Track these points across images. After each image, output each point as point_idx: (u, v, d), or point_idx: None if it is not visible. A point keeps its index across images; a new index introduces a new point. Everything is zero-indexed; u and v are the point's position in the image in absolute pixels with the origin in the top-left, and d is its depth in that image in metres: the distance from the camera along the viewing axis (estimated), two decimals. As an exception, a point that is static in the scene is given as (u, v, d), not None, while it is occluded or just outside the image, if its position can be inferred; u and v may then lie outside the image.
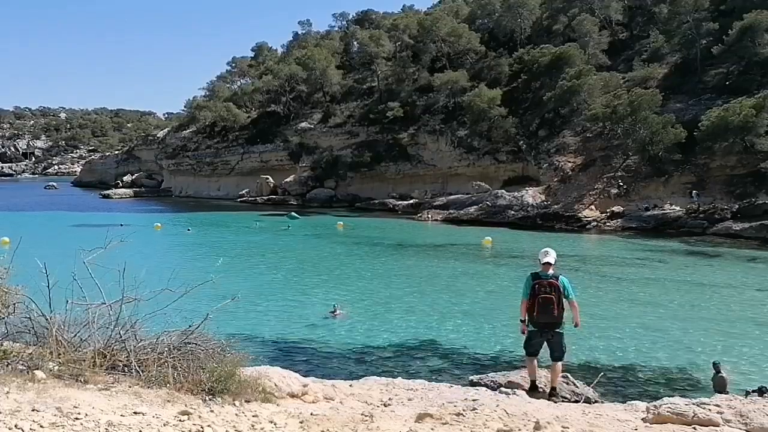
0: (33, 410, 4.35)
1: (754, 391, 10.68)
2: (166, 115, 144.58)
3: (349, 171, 58.01)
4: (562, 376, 9.10)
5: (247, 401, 5.48)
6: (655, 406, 6.55)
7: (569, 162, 44.30)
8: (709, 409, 6.24)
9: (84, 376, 5.19)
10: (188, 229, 41.77)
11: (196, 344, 5.90)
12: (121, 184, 79.93)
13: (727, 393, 10.00)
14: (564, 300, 7.85)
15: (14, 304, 5.72)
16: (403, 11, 77.33)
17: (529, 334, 8.06)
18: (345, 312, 18.80)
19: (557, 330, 7.99)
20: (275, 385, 6.19)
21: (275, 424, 5.05)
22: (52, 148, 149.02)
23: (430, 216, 45.57)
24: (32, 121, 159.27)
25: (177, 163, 74.44)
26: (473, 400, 6.78)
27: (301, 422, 5.21)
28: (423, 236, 38.19)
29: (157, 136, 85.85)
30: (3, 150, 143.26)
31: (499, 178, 49.32)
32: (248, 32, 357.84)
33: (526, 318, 7.98)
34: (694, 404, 6.52)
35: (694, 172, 38.50)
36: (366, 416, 5.68)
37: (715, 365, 11.79)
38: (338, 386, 7.34)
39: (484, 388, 8.60)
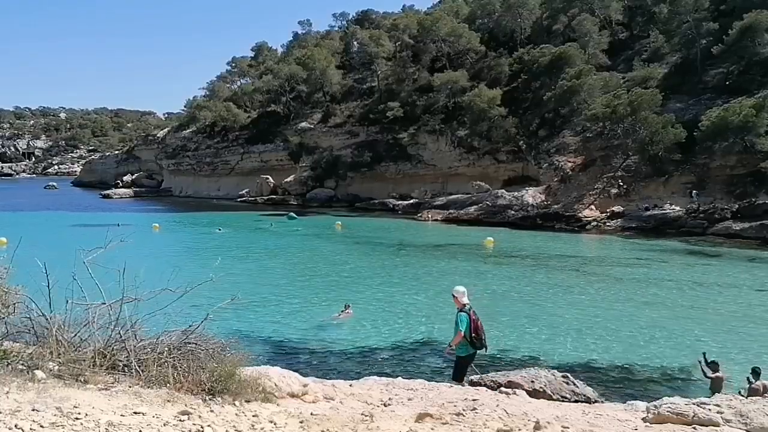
0: (33, 410, 4.34)
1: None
2: (166, 115, 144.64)
3: (349, 171, 58.00)
4: (563, 376, 9.24)
5: (247, 401, 5.47)
6: (655, 406, 6.56)
7: (569, 162, 44.30)
8: (709, 409, 6.24)
9: (84, 376, 5.19)
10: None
11: (196, 344, 5.90)
12: (121, 184, 79.98)
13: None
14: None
15: (14, 304, 5.71)
16: (403, 11, 77.34)
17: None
18: (352, 312, 18.73)
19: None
20: (275, 385, 6.20)
21: (275, 424, 5.04)
22: (52, 148, 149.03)
23: (430, 216, 45.54)
24: (32, 121, 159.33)
25: (177, 163, 74.49)
26: (473, 400, 6.78)
27: (301, 422, 5.20)
28: (423, 236, 38.15)
29: (157, 136, 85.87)
30: (3, 150, 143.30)
31: (499, 178, 49.34)
32: (248, 32, 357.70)
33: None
34: (694, 404, 6.52)
35: (694, 172, 38.44)
36: (366, 416, 5.68)
37: (714, 364, 11.83)
38: (338, 386, 7.35)
39: (484, 388, 8.62)
